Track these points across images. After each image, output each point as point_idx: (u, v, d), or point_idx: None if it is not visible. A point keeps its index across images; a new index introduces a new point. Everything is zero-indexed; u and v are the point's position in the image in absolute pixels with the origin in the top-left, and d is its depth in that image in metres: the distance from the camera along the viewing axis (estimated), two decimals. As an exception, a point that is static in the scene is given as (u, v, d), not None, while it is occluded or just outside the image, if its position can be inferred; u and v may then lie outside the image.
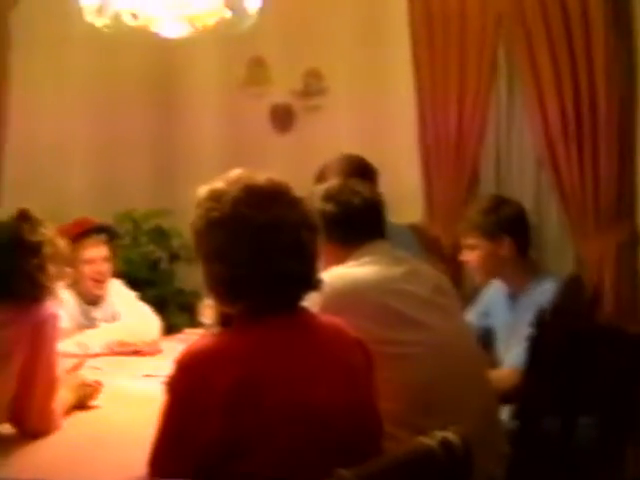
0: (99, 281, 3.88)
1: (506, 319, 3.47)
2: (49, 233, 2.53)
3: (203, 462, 1.88)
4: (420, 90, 4.64)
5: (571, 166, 4.27)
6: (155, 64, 5.18)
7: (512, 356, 3.24)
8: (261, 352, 1.94)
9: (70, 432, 2.54)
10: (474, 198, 4.44)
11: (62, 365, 2.97)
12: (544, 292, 3.31)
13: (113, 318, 3.92)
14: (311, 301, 2.52)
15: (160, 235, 5.16)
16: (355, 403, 2.02)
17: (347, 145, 4.54)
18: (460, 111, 4.53)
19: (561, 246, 4.45)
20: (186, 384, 1.92)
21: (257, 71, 5.19)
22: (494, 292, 3.60)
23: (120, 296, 3.99)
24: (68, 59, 4.76)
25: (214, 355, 1.93)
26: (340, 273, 2.59)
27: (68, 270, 2.72)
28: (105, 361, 3.48)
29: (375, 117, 4.85)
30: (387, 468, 1.73)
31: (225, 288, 2.01)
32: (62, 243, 2.56)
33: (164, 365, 2.55)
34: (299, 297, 2.06)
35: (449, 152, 4.59)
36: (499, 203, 3.53)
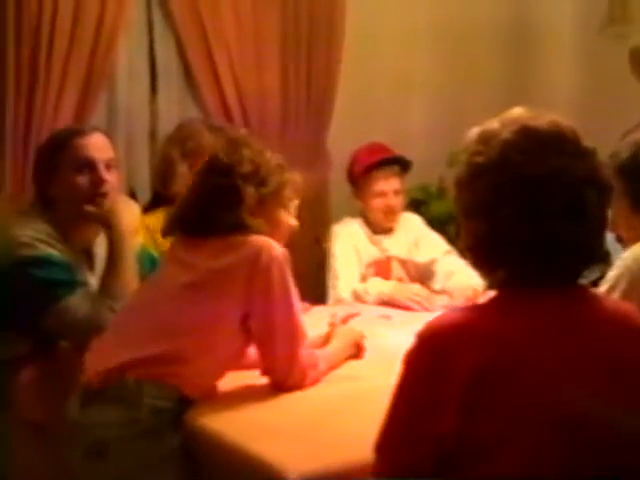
0: (389, 214, 3.67)
1: None
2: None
3: (431, 459, 1.55)
4: None
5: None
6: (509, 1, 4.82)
7: None
8: (518, 333, 1.56)
9: (324, 390, 2.30)
10: None
11: (336, 314, 2.77)
12: None
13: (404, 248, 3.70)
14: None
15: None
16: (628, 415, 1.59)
17: None
18: None
19: None
20: (423, 363, 1.58)
21: (618, 10, 4.64)
22: None
23: (414, 230, 3.75)
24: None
25: (461, 332, 1.57)
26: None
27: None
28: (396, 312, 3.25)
29: None
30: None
31: (485, 250, 1.64)
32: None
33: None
34: (577, 271, 1.64)
35: None
36: None
